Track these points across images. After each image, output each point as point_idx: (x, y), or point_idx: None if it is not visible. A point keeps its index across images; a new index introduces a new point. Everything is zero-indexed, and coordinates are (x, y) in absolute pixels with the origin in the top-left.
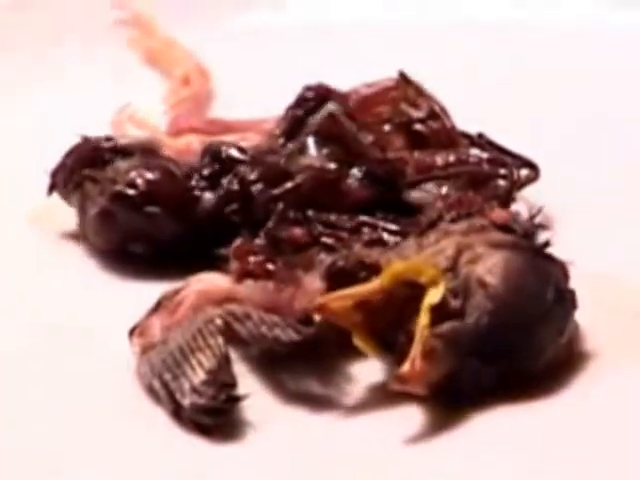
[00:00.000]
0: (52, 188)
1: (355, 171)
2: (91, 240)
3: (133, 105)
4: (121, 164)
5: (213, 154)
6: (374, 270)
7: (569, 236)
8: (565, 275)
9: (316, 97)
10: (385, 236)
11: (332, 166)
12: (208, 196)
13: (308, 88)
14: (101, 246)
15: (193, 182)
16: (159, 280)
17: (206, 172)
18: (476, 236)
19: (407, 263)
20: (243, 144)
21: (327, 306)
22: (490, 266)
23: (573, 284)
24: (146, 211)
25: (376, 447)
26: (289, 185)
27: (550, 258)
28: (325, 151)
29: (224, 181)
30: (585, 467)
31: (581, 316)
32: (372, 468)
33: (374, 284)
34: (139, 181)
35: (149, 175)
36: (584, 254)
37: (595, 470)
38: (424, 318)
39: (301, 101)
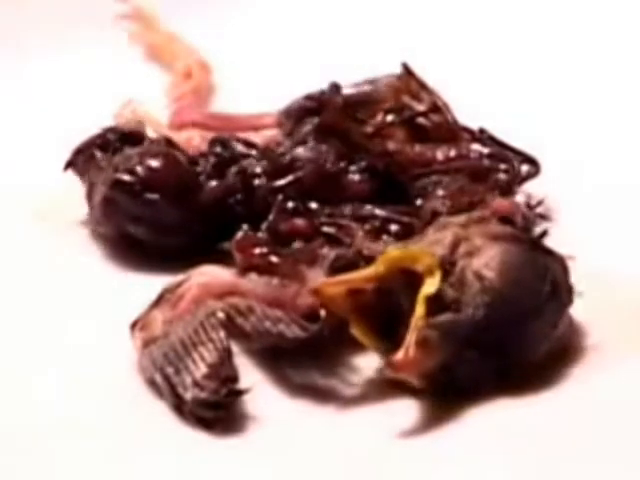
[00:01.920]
0: (69, 165)
1: (356, 165)
2: (97, 226)
3: (136, 100)
4: (128, 151)
5: (222, 145)
6: (372, 262)
7: (569, 230)
8: (564, 269)
9: (317, 107)
10: (386, 225)
11: (333, 160)
12: (212, 184)
13: (308, 97)
14: (106, 233)
15: (199, 169)
16: (161, 273)
17: (213, 161)
18: (475, 228)
19: (403, 250)
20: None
21: (322, 291)
22: (487, 259)
23: (572, 278)
24: (146, 198)
25: (378, 438)
26: (290, 178)
27: (549, 252)
28: (326, 145)
29: (230, 171)
30: (582, 461)
31: (580, 310)
32: (374, 459)
33: (369, 271)
34: (139, 168)
35: (151, 162)
36: (584, 249)
37: (592, 464)
38: (420, 308)
39: (301, 110)
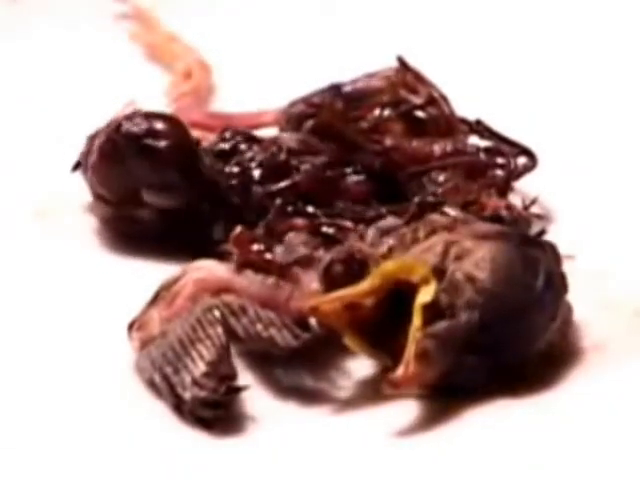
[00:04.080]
0: (77, 167)
1: (352, 166)
2: (92, 185)
3: (137, 102)
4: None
5: (230, 137)
6: (365, 266)
7: (568, 230)
8: (555, 258)
9: (315, 112)
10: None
11: (330, 164)
12: (213, 165)
13: (309, 103)
14: (102, 192)
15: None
16: (159, 273)
17: (218, 150)
18: (462, 229)
19: (398, 262)
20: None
21: (319, 309)
22: (477, 260)
23: (572, 279)
24: (147, 143)
25: (372, 440)
26: (287, 182)
27: (538, 243)
28: (323, 148)
29: (232, 160)
30: (582, 461)
31: (580, 311)
32: (367, 461)
33: (364, 285)
34: (146, 124)
35: (158, 123)
36: (584, 249)
37: (592, 464)
38: (416, 319)
39: (302, 116)
